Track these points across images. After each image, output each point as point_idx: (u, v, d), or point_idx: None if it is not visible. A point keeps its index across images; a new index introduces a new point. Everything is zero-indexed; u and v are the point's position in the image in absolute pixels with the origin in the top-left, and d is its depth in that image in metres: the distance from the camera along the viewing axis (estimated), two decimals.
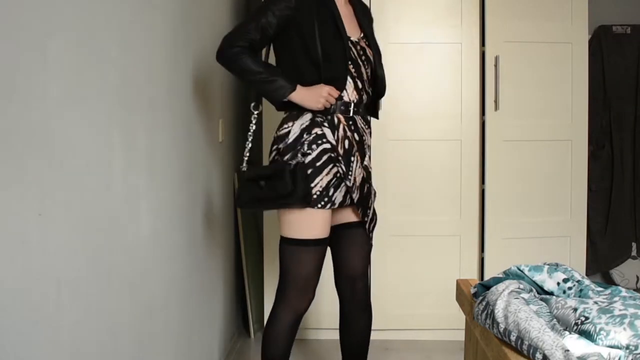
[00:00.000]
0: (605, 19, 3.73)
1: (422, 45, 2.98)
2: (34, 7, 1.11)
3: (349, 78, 1.98)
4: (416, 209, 3.02)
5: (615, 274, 3.91)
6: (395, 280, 3.02)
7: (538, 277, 1.35)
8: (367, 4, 2.92)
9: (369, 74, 2.06)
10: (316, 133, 1.96)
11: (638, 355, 1.04)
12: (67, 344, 1.24)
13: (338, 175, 1.97)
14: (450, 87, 2.98)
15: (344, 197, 1.99)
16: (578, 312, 1.15)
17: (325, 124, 1.97)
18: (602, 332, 1.08)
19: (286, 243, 1.99)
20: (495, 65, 2.93)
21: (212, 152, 2.53)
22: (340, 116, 1.99)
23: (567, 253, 3.03)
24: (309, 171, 1.93)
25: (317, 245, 1.97)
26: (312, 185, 1.93)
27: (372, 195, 2.12)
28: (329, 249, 2.11)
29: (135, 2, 1.61)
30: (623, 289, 1.25)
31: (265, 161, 2.96)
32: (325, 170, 1.96)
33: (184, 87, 2.09)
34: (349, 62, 1.97)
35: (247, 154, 2.11)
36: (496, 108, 2.95)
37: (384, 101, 2.94)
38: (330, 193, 1.96)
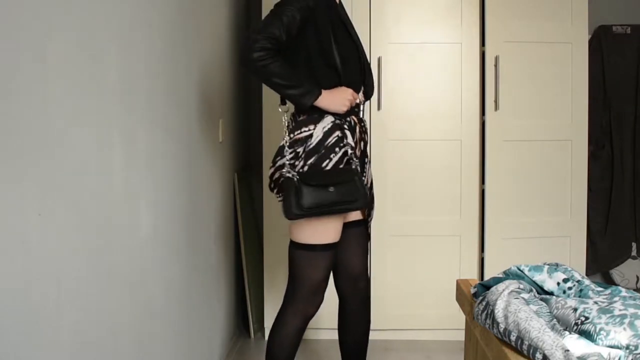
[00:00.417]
0: (605, 19, 3.73)
1: (422, 45, 2.98)
2: (33, 7, 1.11)
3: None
4: (416, 209, 3.02)
5: (615, 274, 3.91)
6: (395, 280, 3.02)
7: (538, 277, 1.35)
8: (367, 4, 2.92)
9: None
10: (337, 136, 1.94)
11: (638, 355, 1.04)
12: (67, 344, 1.24)
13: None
14: (450, 87, 2.98)
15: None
16: (578, 312, 1.15)
17: (346, 127, 1.97)
18: (602, 332, 1.08)
19: (300, 248, 1.97)
20: (495, 65, 2.93)
21: (212, 152, 2.53)
22: (355, 118, 2.02)
23: (567, 253, 3.03)
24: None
25: (331, 249, 1.98)
26: None
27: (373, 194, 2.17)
28: None
29: (135, 2, 1.61)
30: (623, 289, 1.25)
31: (267, 162, 2.96)
32: None
33: (184, 87, 2.09)
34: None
35: (290, 159, 1.97)
36: (496, 108, 2.95)
37: (384, 101, 2.95)
38: None
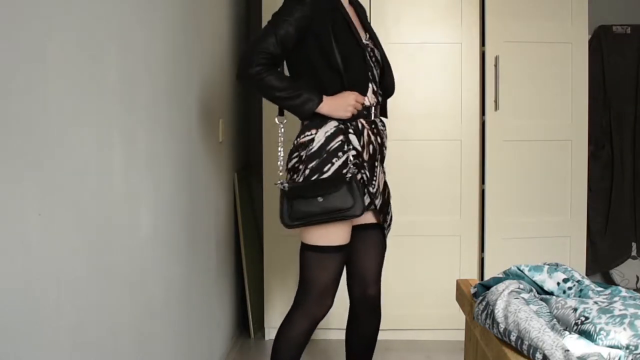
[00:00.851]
0: (605, 19, 3.72)
1: (422, 45, 2.98)
2: (34, 7, 1.11)
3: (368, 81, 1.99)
4: (416, 209, 3.02)
5: (615, 274, 3.91)
6: (395, 280, 3.02)
7: (538, 277, 1.35)
8: (367, 4, 2.92)
9: (379, 75, 2.06)
10: (341, 140, 1.93)
11: (638, 355, 1.04)
12: (67, 344, 1.24)
13: (362, 181, 1.95)
14: (450, 87, 2.98)
15: (369, 203, 1.98)
16: (578, 312, 1.15)
17: (351, 131, 1.94)
18: (602, 332, 1.08)
19: (310, 250, 1.96)
20: (495, 65, 2.93)
21: (212, 152, 2.53)
22: (363, 121, 1.98)
23: (567, 253, 3.03)
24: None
25: (341, 251, 1.97)
26: None
27: (390, 198, 2.13)
28: None
29: (135, 2, 1.61)
30: (623, 289, 1.25)
31: (267, 162, 2.97)
32: (358, 176, 1.95)
33: (184, 87, 2.09)
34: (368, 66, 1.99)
35: (281, 169, 2.03)
36: (496, 108, 2.95)
37: None
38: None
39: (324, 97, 1.91)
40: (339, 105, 1.91)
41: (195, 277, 2.25)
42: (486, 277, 2.67)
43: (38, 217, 1.12)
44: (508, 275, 1.39)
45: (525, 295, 1.24)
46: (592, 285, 1.29)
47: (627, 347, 1.05)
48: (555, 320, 1.17)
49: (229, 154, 2.90)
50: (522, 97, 2.98)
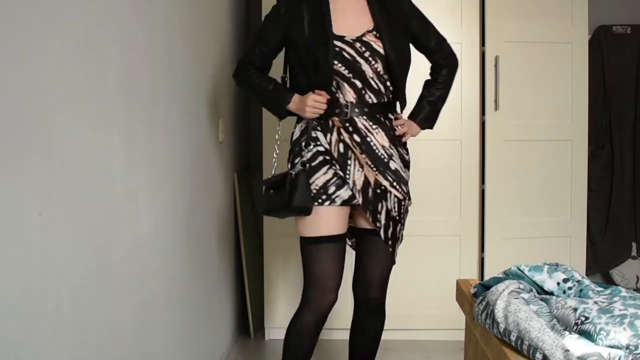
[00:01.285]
0: (605, 19, 3.72)
1: None
2: (34, 7, 1.11)
3: (341, 80, 1.95)
4: (416, 209, 2.99)
5: (615, 274, 3.91)
6: (395, 280, 3.00)
7: (538, 277, 1.35)
8: None
9: (380, 69, 1.97)
10: (310, 135, 1.98)
11: (638, 355, 1.04)
12: (67, 344, 1.24)
13: (338, 175, 1.97)
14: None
15: (350, 197, 1.97)
16: (578, 312, 1.15)
17: (319, 128, 1.98)
18: (602, 332, 1.08)
19: (303, 242, 2.01)
20: (495, 65, 2.93)
21: (212, 152, 2.53)
22: (336, 119, 1.97)
23: (567, 253, 3.03)
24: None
25: (325, 242, 1.98)
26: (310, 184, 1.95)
27: (394, 204, 2.01)
28: (354, 252, 2.16)
29: (135, 2, 1.61)
30: (623, 289, 1.25)
31: (267, 162, 2.96)
32: (322, 170, 1.97)
33: (184, 87, 2.09)
34: (337, 63, 1.94)
35: (275, 167, 2.13)
36: (496, 108, 2.95)
37: None
38: (331, 191, 1.96)
39: (294, 98, 2.00)
40: (301, 106, 1.97)
41: (195, 277, 2.25)
42: (486, 277, 2.67)
43: (38, 217, 1.12)
44: (508, 275, 1.39)
45: (525, 295, 1.24)
46: (592, 285, 1.29)
47: (627, 347, 1.05)
48: (555, 320, 1.17)
49: (229, 154, 2.90)
50: (522, 97, 2.98)
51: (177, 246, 2.01)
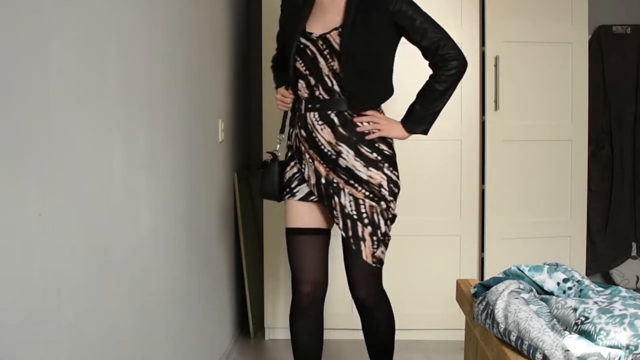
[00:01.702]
0: (605, 19, 3.72)
1: None
2: (34, 7, 1.11)
3: (299, 76, 2.03)
4: (416, 209, 3.01)
5: (615, 274, 3.91)
6: (395, 281, 3.01)
7: (538, 277, 1.35)
8: None
9: (336, 66, 1.95)
10: (283, 127, 2.19)
11: (638, 355, 1.04)
12: (67, 344, 1.24)
13: (301, 170, 2.07)
14: None
15: (310, 192, 2.06)
16: (578, 312, 1.15)
17: (287, 121, 2.16)
18: (602, 332, 1.08)
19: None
20: (495, 65, 2.92)
21: (212, 152, 2.53)
22: (298, 114, 2.07)
23: (567, 253, 3.03)
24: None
25: (296, 234, 2.07)
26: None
27: (350, 202, 1.98)
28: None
29: (135, 2, 1.61)
30: (623, 289, 1.25)
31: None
32: (290, 164, 2.10)
33: (184, 87, 2.09)
34: (298, 60, 2.01)
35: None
36: (496, 108, 2.94)
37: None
38: (293, 185, 2.07)
39: (279, 90, 2.16)
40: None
41: (195, 277, 2.25)
42: (486, 277, 2.67)
43: (38, 217, 1.12)
44: (508, 275, 1.39)
45: (525, 295, 1.24)
46: (592, 285, 1.29)
47: (627, 347, 1.05)
48: (555, 320, 1.17)
49: (229, 154, 2.90)
50: (522, 97, 2.98)
51: (177, 246, 2.01)
